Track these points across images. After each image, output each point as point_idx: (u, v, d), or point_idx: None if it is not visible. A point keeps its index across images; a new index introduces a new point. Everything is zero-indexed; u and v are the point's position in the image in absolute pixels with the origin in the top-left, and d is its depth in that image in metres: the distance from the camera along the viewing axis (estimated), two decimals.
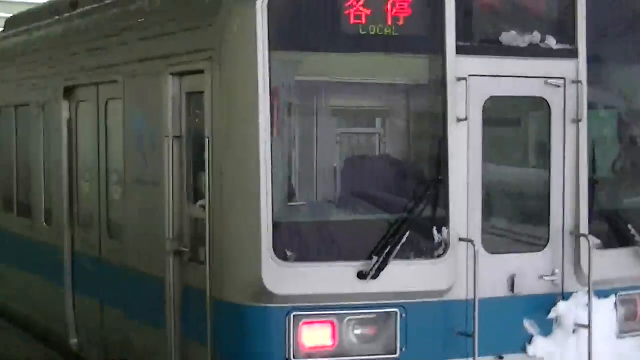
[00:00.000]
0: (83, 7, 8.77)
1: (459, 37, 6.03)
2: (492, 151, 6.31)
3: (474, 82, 6.04)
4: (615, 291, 6.56)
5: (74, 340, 8.38)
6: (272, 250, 5.68)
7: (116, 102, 7.45)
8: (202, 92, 6.18)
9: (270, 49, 5.67)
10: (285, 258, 5.72)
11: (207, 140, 6.08)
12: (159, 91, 6.68)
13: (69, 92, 8.39)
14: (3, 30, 12.24)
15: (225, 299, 5.94)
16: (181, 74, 6.50)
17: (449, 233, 5.99)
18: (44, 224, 8.96)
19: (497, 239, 6.27)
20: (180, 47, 6.47)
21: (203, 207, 6.19)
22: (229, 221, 5.89)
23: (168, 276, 6.61)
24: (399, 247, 5.81)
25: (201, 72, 6.16)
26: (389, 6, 5.91)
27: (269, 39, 5.66)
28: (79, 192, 8.28)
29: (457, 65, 5.99)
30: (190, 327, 6.41)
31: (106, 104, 7.69)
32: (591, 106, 6.45)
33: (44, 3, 11.50)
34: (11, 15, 12.82)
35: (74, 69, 8.24)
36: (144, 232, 6.97)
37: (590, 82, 6.36)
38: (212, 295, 6.08)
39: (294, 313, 5.77)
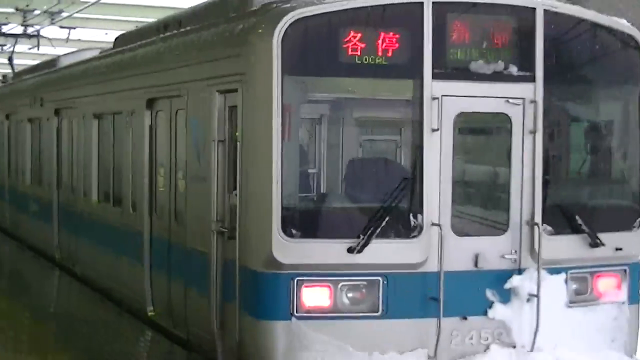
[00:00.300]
0: (164, 34, 10.75)
1: (434, 66, 7.71)
2: (464, 154, 7.99)
3: (446, 101, 7.72)
4: (566, 269, 8.13)
5: (149, 308, 10.31)
6: (281, 229, 7.48)
7: (182, 112, 9.38)
8: (236, 106, 8.05)
9: (282, 74, 7.47)
10: (291, 235, 7.51)
11: (238, 144, 7.94)
12: (209, 104, 8.57)
13: (150, 103, 10.35)
14: (112, 47, 14.25)
15: (248, 266, 7.78)
16: (224, 92, 8.36)
17: (422, 219, 7.69)
18: (131, 211, 10.96)
19: (464, 225, 7.93)
20: (222, 70, 8.34)
21: (237, 196, 8.04)
22: (251, 207, 7.72)
23: (212, 251, 8.47)
24: (379, 229, 7.53)
25: (235, 90, 8.03)
26: (380, 41, 7.64)
27: (281, 66, 7.46)
28: (156, 185, 10.23)
29: (433, 87, 7.68)
30: (226, 291, 8.26)
31: (176, 113, 9.62)
32: (553, 118, 8.05)
33: (143, 25, 13.52)
34: (121, 33, 14.93)
35: (154, 84, 10.21)
36: (198, 217, 8.85)
37: (546, 101, 7.96)
38: (239, 264, 7.92)
39: (297, 278, 7.55)
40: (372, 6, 7.63)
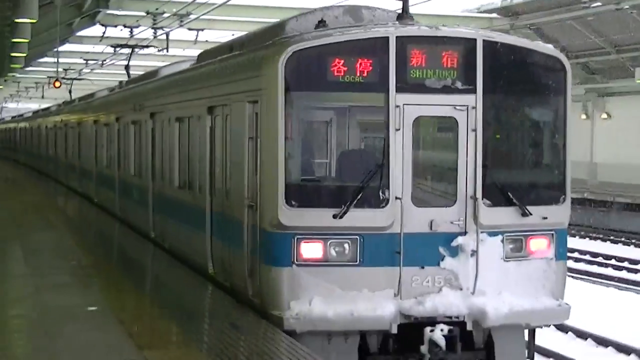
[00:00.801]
0: (230, 53, 13.89)
1: (397, 82, 10.65)
2: (422, 146, 10.93)
3: (406, 108, 10.68)
4: (502, 232, 10.98)
5: (210, 266, 13.51)
6: (284, 201, 10.56)
7: (228, 117, 12.56)
8: (257, 113, 11.19)
9: (285, 90, 10.56)
10: (292, 205, 10.58)
11: (258, 140, 11.08)
12: (243, 111, 11.73)
13: (210, 110, 13.56)
14: (196, 62, 17.48)
15: (264, 228, 10.90)
16: (251, 102, 11.50)
17: (389, 194, 10.66)
18: (199, 193, 14.21)
19: (423, 198, 10.87)
20: (250, 87, 11.47)
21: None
22: (265, 186, 10.84)
23: (244, 219, 11.63)
24: (356, 201, 10.54)
25: (257, 101, 11.17)
26: (358, 65, 10.65)
27: (284, 84, 10.55)
28: (214, 172, 13.43)
29: (396, 98, 10.65)
30: (252, 248, 11.39)
31: (225, 118, 12.80)
32: (489, 119, 10.94)
33: (217, 45, 16.75)
34: (203, 50, 18.22)
35: (212, 95, 13.43)
36: (237, 195, 12.00)
37: (486, 107, 10.85)
38: (259, 227, 11.05)
39: (297, 236, 10.60)
40: (351, 40, 10.65)
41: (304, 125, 10.90)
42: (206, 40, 37.48)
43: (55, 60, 39.06)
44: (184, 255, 15.18)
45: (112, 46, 34.04)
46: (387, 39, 10.63)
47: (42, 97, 68.64)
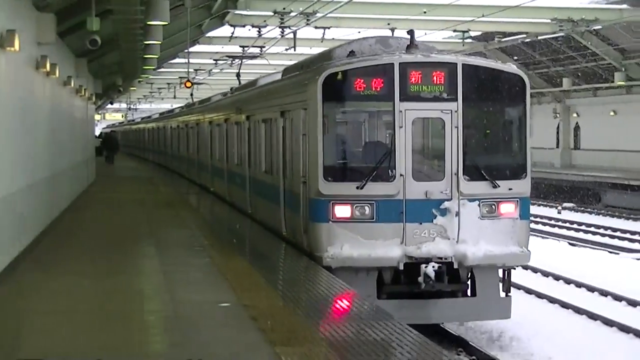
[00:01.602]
0: (298, 72, 19.04)
1: (401, 94, 15.60)
2: (419, 138, 15.85)
3: (407, 112, 15.60)
4: (479, 199, 15.80)
5: (283, 229, 18.67)
6: (323, 177, 15.63)
7: (291, 120, 17.71)
8: (306, 117, 16.32)
9: (323, 101, 15.64)
10: (328, 180, 15.65)
11: (307, 136, 16.20)
12: (299, 115, 16.85)
13: (282, 114, 18.73)
14: (281, 75, 22.62)
15: (311, 197, 16.01)
16: (303, 109, 16.61)
17: (395, 172, 15.62)
18: (275, 175, 19.40)
19: (420, 175, 15.77)
20: (302, 98, 16.57)
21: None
22: (311, 168, 15.93)
23: (300, 192, 16.75)
24: (372, 176, 15.53)
25: (306, 108, 16.30)
26: (372, 83, 15.65)
27: (322, 97, 15.64)
28: (285, 159, 18.57)
29: (400, 105, 15.59)
30: (305, 211, 16.50)
31: (291, 120, 17.95)
32: (467, 120, 15.80)
33: (294, 64, 21.93)
34: (287, 66, 23.44)
35: (283, 103, 18.59)
36: (297, 175, 17.12)
37: (464, 111, 15.71)
38: (309, 197, 16.17)
39: (332, 201, 15.65)
40: (367, 66, 15.64)
41: (335, 125, 15.94)
42: (333, 38, 38.63)
43: (186, 60, 40.45)
44: (268, 223, 20.36)
45: (228, 56, 38.80)
46: (392, 64, 15.57)
47: (174, 97, 70.48)
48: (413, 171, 15.67)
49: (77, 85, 28.40)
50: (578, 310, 19.85)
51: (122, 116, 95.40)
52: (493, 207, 15.93)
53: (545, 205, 48.69)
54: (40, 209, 19.89)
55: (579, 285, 23.11)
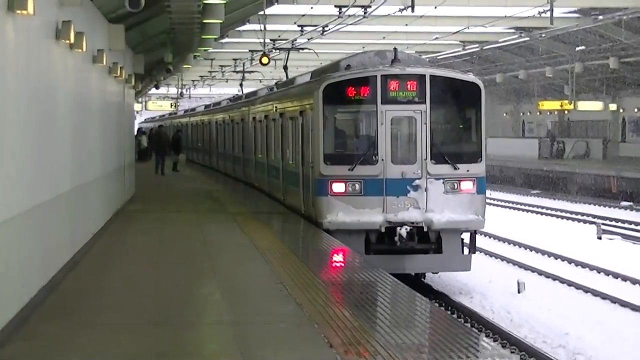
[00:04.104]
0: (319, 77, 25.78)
1: (382, 99, 22.29)
2: (397, 131, 22.45)
3: (387, 112, 22.30)
4: (443, 178, 22.41)
5: (302, 207, 25.33)
6: (324, 161, 22.36)
7: (306, 118, 24.39)
8: (312, 116, 23.03)
9: (323, 104, 22.34)
10: (327, 164, 22.38)
11: (313, 130, 22.90)
12: (310, 115, 23.56)
13: (300, 113, 25.42)
14: (311, 78, 29.18)
15: (315, 177, 22.72)
16: (311, 110, 23.30)
17: (378, 157, 22.27)
18: (294, 163, 26.08)
19: (397, 159, 22.41)
20: (310, 101, 23.29)
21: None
22: (314, 155, 22.67)
23: (310, 174, 23.45)
24: (360, 160, 22.16)
25: (312, 109, 23.00)
26: (360, 90, 22.31)
27: (322, 100, 22.33)
28: (303, 150, 25.20)
29: (380, 107, 22.26)
30: (307, 187, 23.18)
31: (306, 118, 24.61)
32: (434, 118, 22.35)
33: (316, 68, 28.58)
34: (315, 69, 30.01)
35: (302, 104, 25.29)
36: (307, 160, 23.81)
37: (431, 111, 22.25)
38: (312, 177, 22.87)
39: (330, 180, 22.43)
40: (356, 77, 22.32)
41: (333, 122, 22.58)
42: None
43: (261, 27, 34.19)
44: (293, 206, 27.01)
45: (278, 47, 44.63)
46: (376, 76, 22.18)
47: (242, 79, 55.72)
48: (391, 157, 22.19)
49: (111, 62, 23.01)
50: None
51: (172, 105, 74.23)
52: (455, 184, 22.41)
53: None
54: (53, 242, 15.02)
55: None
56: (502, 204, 51.02)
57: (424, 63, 24.13)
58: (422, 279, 24.39)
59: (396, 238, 22.17)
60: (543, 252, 31.18)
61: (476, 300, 23.03)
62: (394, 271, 19.39)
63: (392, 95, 22.38)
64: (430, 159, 22.36)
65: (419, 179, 22.36)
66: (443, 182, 22.50)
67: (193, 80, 78.66)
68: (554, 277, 26.13)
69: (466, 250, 22.97)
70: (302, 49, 40.87)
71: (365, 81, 22.37)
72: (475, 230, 23.09)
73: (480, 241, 30.55)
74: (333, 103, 22.67)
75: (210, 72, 67.44)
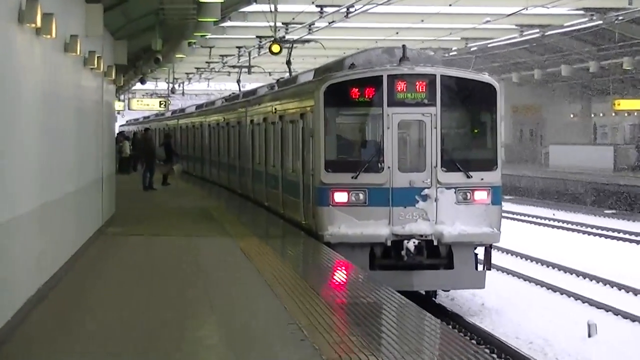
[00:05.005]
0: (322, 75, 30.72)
1: (388, 100, 27.11)
2: (404, 136, 27.33)
3: (394, 116, 27.13)
4: (455, 187, 27.19)
5: (303, 219, 30.17)
6: (325, 169, 27.20)
7: (308, 120, 29.30)
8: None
9: (324, 106, 27.23)
10: (329, 171, 27.22)
11: (313, 134, 27.82)
12: (310, 118, 28.46)
13: (301, 116, 30.31)
14: (314, 77, 34.03)
15: (315, 185, 27.59)
16: (311, 112, 28.20)
17: (384, 164, 27.10)
18: (294, 172, 30.96)
19: (405, 166, 27.23)
20: (311, 103, 28.18)
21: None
22: (315, 161, 27.55)
23: (306, 181, 28.33)
24: (364, 168, 26.99)
25: (313, 112, 27.92)
26: (366, 91, 27.17)
27: (323, 102, 27.22)
28: (303, 156, 30.07)
29: (387, 110, 27.10)
30: (308, 197, 28.06)
31: (308, 121, 29.52)
32: (445, 122, 27.22)
33: (320, 66, 33.47)
34: (317, 67, 34.88)
35: (302, 107, 30.18)
36: (303, 167, 28.70)
37: (442, 114, 27.11)
38: (313, 185, 27.76)
39: (332, 189, 27.24)
40: (361, 77, 27.19)
41: (335, 126, 27.47)
42: None
43: (270, 7, 37.39)
44: (293, 218, 31.81)
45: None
46: (382, 76, 27.02)
47: (249, 71, 60.54)
48: (399, 164, 27.01)
49: (87, 51, 23.90)
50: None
51: (161, 103, 75.31)
52: (468, 194, 27.17)
53: None
54: (10, 274, 15.25)
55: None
56: (568, 225, 53.25)
57: (435, 62, 28.90)
58: (433, 298, 29.18)
59: (403, 252, 26.83)
60: (619, 287, 32.62)
61: (537, 344, 24.52)
62: (400, 288, 23.08)
63: (399, 97, 27.14)
64: (441, 167, 27.04)
65: (428, 188, 27.03)
66: (455, 192, 27.19)
67: (187, 74, 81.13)
68: (633, 318, 27.58)
69: (480, 267, 27.72)
70: (309, 41, 44.68)
71: (370, 81, 27.17)
72: (490, 245, 27.82)
73: (539, 270, 35.47)
74: (335, 105, 27.48)
75: (208, 63, 69.71)
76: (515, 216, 57.89)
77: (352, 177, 27.10)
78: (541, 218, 58.10)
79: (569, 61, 77.00)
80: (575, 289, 31.93)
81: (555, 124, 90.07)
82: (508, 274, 35.77)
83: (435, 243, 27.00)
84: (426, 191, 27.11)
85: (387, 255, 27.15)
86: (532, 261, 39.35)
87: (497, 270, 35.24)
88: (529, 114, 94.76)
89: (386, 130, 27.09)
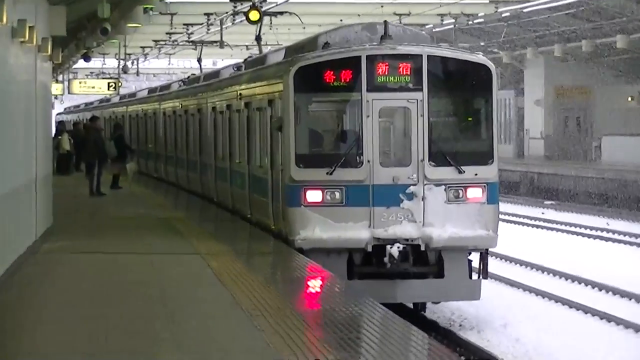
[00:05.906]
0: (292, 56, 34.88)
1: (367, 85, 31.09)
2: (387, 126, 31.44)
3: (374, 102, 31.15)
4: (445, 184, 31.19)
5: (271, 222, 34.15)
6: (295, 164, 31.23)
7: (276, 108, 33.45)
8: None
9: (294, 92, 31.30)
10: (300, 167, 31.24)
11: (283, 124, 32.00)
12: (278, 106, 32.61)
13: (269, 102, 34.37)
14: (284, 57, 38.03)
15: (285, 182, 31.69)
16: (279, 98, 32.30)
17: (363, 158, 31.15)
18: (262, 168, 35.05)
19: (387, 160, 31.25)
20: (279, 88, 32.30)
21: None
22: (285, 154, 31.66)
23: (275, 178, 32.46)
24: (341, 163, 31.05)
25: (281, 98, 32.08)
26: (341, 74, 31.21)
27: (293, 87, 31.28)
28: (272, 150, 34.11)
29: (367, 95, 31.11)
30: (277, 196, 32.17)
31: (276, 108, 33.65)
32: (433, 109, 31.36)
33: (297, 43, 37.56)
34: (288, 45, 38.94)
35: (270, 92, 34.29)
36: (272, 162, 32.80)
37: (430, 100, 31.22)
38: (282, 183, 31.87)
39: (304, 187, 31.22)
40: (336, 59, 31.27)
41: (307, 114, 31.55)
42: None
43: None
44: (261, 221, 35.79)
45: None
46: (360, 57, 31.07)
47: (221, 45, 63.12)
48: (380, 157, 30.99)
49: (15, 19, 24.55)
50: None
51: (110, 86, 77.41)
52: (460, 192, 31.13)
53: None
54: None
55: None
56: (622, 237, 54.04)
57: (422, 40, 32.59)
58: (422, 312, 32.94)
59: (386, 259, 30.28)
60: None
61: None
62: (382, 300, 25.09)
63: (380, 81, 30.80)
64: (429, 161, 30.67)
65: (414, 185, 30.63)
66: (445, 189, 30.79)
67: (143, 48, 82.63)
68: None
69: (475, 275, 31.36)
70: (281, 13, 47.89)
71: (347, 63, 30.87)
72: (486, 250, 31.52)
73: (593, 295, 38.13)
74: (307, 91, 31.18)
75: (169, 34, 70.77)
76: (556, 226, 58.96)
77: (327, 173, 30.61)
78: (591, 229, 58.03)
79: (624, 30, 78.52)
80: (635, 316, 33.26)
81: (609, 109, 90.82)
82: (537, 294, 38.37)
83: (422, 248, 30.38)
84: (412, 189, 30.62)
85: (367, 262, 30.65)
86: (565, 278, 42.06)
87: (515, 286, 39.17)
88: (575, 98, 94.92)
89: (365, 119, 30.65)
